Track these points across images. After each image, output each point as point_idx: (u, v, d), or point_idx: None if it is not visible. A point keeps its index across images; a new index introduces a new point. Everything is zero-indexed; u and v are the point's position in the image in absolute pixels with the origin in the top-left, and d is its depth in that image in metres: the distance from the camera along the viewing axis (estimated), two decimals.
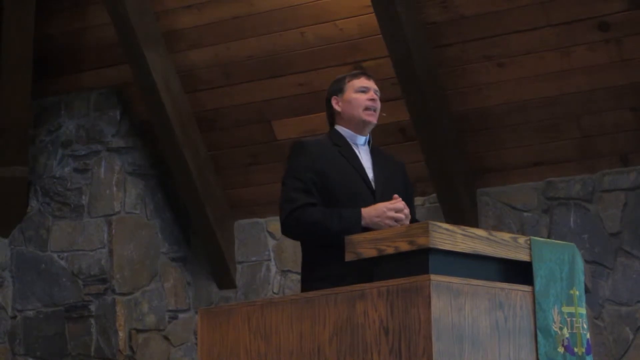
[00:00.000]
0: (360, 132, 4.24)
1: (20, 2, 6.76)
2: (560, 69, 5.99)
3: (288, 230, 4.08)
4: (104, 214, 6.91)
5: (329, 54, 6.45)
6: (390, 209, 3.98)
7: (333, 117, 4.29)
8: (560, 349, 3.56)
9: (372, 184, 4.15)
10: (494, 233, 3.54)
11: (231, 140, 6.96)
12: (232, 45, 6.68)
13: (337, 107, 4.26)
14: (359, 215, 3.96)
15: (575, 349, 3.61)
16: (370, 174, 4.17)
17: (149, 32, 6.68)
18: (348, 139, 4.23)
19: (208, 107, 6.93)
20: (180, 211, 7.24)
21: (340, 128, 4.25)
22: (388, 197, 4.07)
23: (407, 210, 4.01)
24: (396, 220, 3.96)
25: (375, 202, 4.07)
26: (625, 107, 5.95)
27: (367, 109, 4.20)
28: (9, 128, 7.00)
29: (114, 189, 6.94)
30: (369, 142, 4.27)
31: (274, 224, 7.01)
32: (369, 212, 3.97)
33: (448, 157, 6.21)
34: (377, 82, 4.31)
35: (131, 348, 6.82)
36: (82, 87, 7.15)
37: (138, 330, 6.89)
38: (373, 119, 4.22)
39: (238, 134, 6.93)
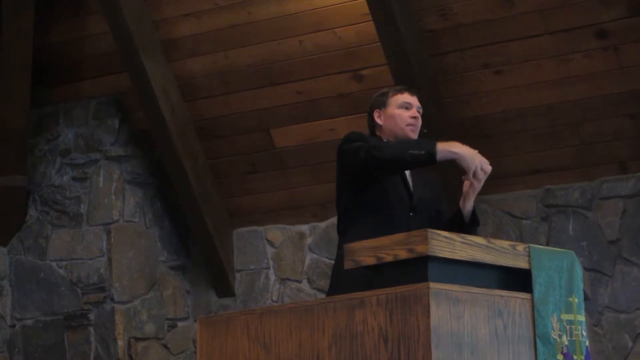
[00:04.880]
0: None
1: (19, 11, 6.76)
2: (559, 77, 6.00)
3: (371, 162, 4.09)
4: (102, 222, 6.91)
5: (327, 62, 6.46)
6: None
7: (373, 127, 4.36)
8: (560, 357, 3.56)
9: (411, 189, 4.25)
10: (493, 241, 3.54)
11: (230, 148, 6.96)
12: (231, 54, 6.69)
13: (378, 121, 4.33)
14: (434, 143, 4.03)
15: (575, 357, 3.61)
16: (409, 180, 4.27)
17: (148, 41, 6.68)
18: None
19: (207, 116, 6.93)
20: (179, 219, 7.24)
21: (382, 137, 4.32)
22: (424, 207, 4.22)
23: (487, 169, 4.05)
24: (483, 169, 4.03)
25: (412, 205, 4.20)
26: (624, 114, 5.96)
27: (409, 125, 4.29)
28: (7, 137, 7.00)
29: (113, 197, 6.94)
30: None
31: (273, 232, 7.01)
32: (449, 143, 4.06)
33: (446, 165, 6.20)
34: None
35: (130, 356, 6.81)
36: (81, 96, 7.16)
37: (137, 339, 6.89)
38: (414, 135, 4.31)
39: (237, 143, 6.93)
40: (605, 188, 6.11)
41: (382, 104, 4.34)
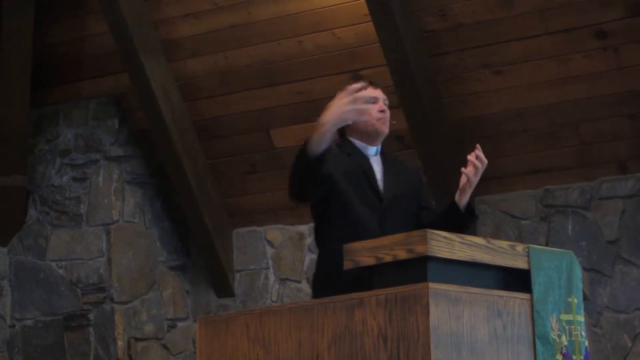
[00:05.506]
0: (372, 142, 4.26)
1: (19, 11, 6.76)
2: (558, 77, 6.00)
3: (290, 188, 4.04)
4: (102, 222, 6.92)
5: (326, 62, 6.46)
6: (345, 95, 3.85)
7: (343, 129, 4.26)
8: (559, 357, 3.56)
9: (381, 189, 4.17)
10: (492, 241, 3.55)
11: (230, 148, 6.96)
12: (231, 54, 6.69)
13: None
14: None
15: (574, 357, 3.61)
16: (380, 183, 4.19)
17: (148, 41, 6.68)
18: (360, 150, 4.25)
19: (206, 116, 6.93)
20: (178, 220, 7.24)
21: (351, 139, 4.27)
22: (397, 205, 4.13)
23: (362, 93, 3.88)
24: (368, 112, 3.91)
25: (382, 209, 4.11)
26: (623, 114, 5.96)
27: (379, 119, 4.22)
28: (7, 137, 7.00)
29: (113, 197, 6.94)
30: (381, 152, 4.29)
31: (273, 232, 7.01)
32: (323, 115, 3.89)
33: (446, 165, 6.21)
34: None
35: (130, 357, 6.82)
36: (81, 96, 7.16)
37: (137, 339, 6.89)
38: (386, 127, 4.24)
39: (237, 143, 6.93)
40: (604, 188, 6.11)
41: None
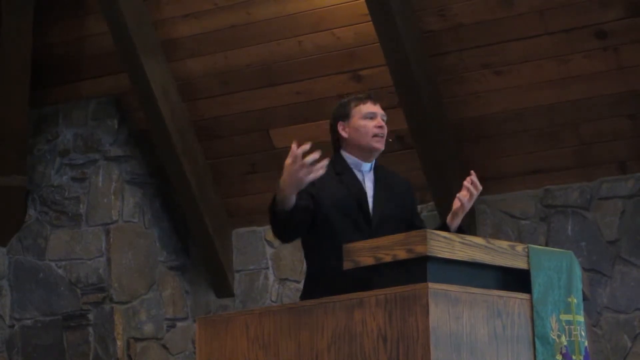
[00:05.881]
0: (366, 159, 4.20)
1: (18, 11, 6.76)
2: (558, 77, 6.00)
3: (275, 235, 4.16)
4: (102, 222, 6.91)
5: (326, 62, 6.46)
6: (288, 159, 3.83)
7: (338, 142, 4.22)
8: (559, 357, 3.56)
9: (370, 212, 4.11)
10: (492, 241, 3.55)
11: (229, 148, 6.96)
12: (230, 54, 6.69)
13: (343, 134, 4.19)
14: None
15: (574, 357, 3.61)
16: (370, 202, 4.13)
17: (147, 41, 6.68)
18: (352, 166, 4.19)
19: (206, 116, 6.93)
20: (178, 220, 7.24)
21: (345, 154, 4.20)
22: (387, 224, 4.06)
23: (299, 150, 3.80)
24: (296, 161, 3.79)
25: (370, 230, 4.04)
26: (623, 114, 5.96)
27: (375, 135, 4.14)
28: (7, 137, 6.99)
29: (112, 197, 6.94)
30: (374, 168, 4.24)
31: None
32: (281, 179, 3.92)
33: (446, 165, 6.21)
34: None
35: (129, 357, 6.81)
36: (81, 96, 7.15)
37: (136, 339, 6.88)
38: (381, 145, 4.16)
39: (236, 143, 6.93)
40: (604, 188, 6.11)
41: (345, 116, 4.19)
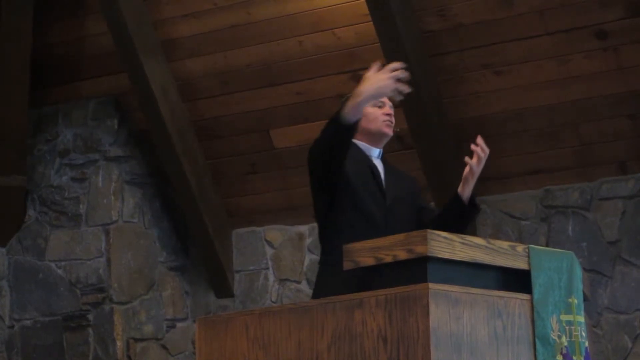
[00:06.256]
0: (375, 144, 4.33)
1: (18, 11, 6.76)
2: (558, 77, 6.00)
3: (315, 152, 4.12)
4: (101, 222, 6.91)
5: (326, 62, 6.46)
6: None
7: None
8: (559, 358, 3.56)
9: (384, 187, 4.23)
10: (493, 241, 3.54)
11: (229, 149, 6.96)
12: (230, 54, 6.69)
13: None
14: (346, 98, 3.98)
15: (574, 358, 3.61)
16: (384, 183, 4.25)
17: (147, 41, 6.68)
18: (363, 151, 4.31)
19: (206, 116, 6.93)
20: (178, 220, 7.24)
21: (355, 141, 4.28)
22: (399, 205, 4.19)
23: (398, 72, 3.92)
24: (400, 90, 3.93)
25: (386, 207, 4.16)
26: (624, 114, 5.95)
27: (383, 120, 4.29)
28: (6, 137, 6.99)
29: (112, 197, 6.94)
30: (382, 156, 4.36)
31: (272, 232, 7.01)
32: (355, 91, 3.94)
33: (446, 165, 6.21)
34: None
35: (129, 357, 6.81)
36: (80, 96, 7.15)
37: (136, 340, 6.88)
38: (390, 130, 4.30)
39: (236, 143, 6.92)
40: (604, 189, 6.11)
41: None
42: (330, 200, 4.19)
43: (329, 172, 4.14)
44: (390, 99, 4.24)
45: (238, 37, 6.62)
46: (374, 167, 4.27)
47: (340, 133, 3.99)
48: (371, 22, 6.07)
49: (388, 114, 4.30)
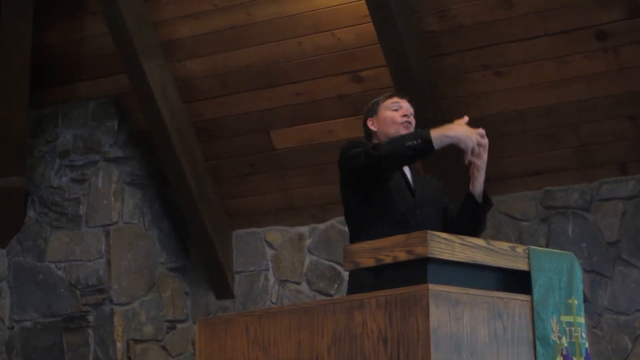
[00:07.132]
0: None
1: (17, 12, 6.76)
2: (558, 78, 6.00)
3: (372, 163, 4.14)
4: (101, 224, 6.91)
5: (326, 63, 6.46)
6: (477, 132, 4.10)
7: (370, 138, 4.43)
8: (559, 358, 3.55)
9: (412, 186, 4.32)
10: (493, 242, 3.54)
11: (229, 149, 6.96)
12: (230, 55, 6.68)
13: (373, 128, 4.42)
14: (428, 130, 4.10)
15: (574, 358, 3.61)
16: (411, 181, 4.35)
17: (147, 41, 6.68)
18: None
19: (206, 117, 6.93)
20: (178, 221, 7.23)
21: None
22: (427, 203, 4.29)
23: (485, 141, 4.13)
24: (480, 144, 4.09)
25: (414, 202, 4.26)
26: (623, 115, 5.95)
27: (402, 123, 4.36)
28: (6, 138, 6.99)
29: (112, 199, 6.94)
30: None
31: (272, 233, 7.01)
32: (442, 127, 4.10)
33: (446, 166, 6.20)
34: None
35: (129, 358, 6.81)
36: (80, 97, 7.15)
37: (136, 341, 6.88)
38: (407, 132, 4.32)
39: (236, 144, 6.92)
40: (604, 189, 6.11)
41: (373, 112, 4.44)
42: (363, 202, 4.25)
43: (380, 180, 4.21)
44: (463, 149, 4.23)
45: (238, 37, 6.62)
46: (401, 172, 4.33)
47: (420, 152, 4.07)
48: (371, 23, 6.07)
49: (405, 115, 4.37)
